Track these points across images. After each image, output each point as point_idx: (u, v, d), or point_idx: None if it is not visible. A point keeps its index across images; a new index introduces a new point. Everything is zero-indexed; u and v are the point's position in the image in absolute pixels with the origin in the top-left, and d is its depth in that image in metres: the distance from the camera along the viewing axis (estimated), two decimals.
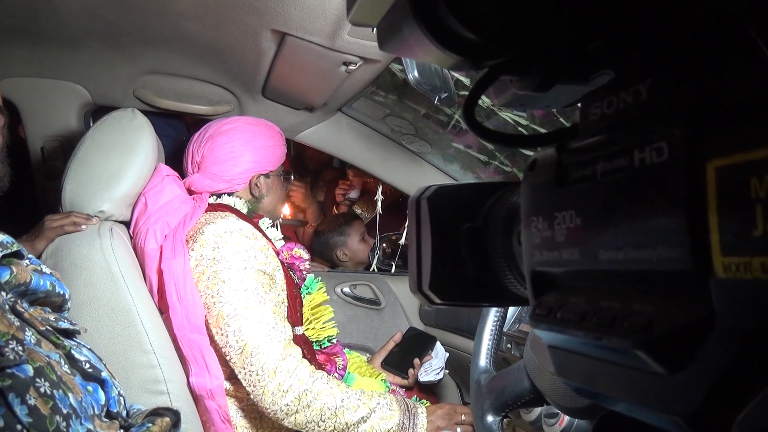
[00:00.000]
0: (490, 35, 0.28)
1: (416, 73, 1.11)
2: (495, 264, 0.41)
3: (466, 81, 1.35)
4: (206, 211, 1.38)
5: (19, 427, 0.51)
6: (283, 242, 1.50)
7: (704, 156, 0.21)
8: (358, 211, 2.73)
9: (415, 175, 1.95)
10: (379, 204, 2.18)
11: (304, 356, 1.28)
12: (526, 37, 0.29)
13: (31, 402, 0.53)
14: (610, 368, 0.27)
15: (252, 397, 1.23)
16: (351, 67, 1.30)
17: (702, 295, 0.21)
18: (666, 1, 0.27)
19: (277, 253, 1.41)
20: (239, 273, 1.26)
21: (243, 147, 1.43)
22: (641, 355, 0.23)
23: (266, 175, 1.48)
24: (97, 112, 1.63)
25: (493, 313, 0.90)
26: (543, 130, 1.40)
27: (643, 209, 0.23)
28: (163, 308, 1.26)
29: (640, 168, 0.24)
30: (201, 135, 1.47)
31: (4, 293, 0.64)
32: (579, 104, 0.40)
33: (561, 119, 1.30)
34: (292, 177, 1.62)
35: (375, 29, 0.36)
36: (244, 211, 1.44)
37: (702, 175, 0.21)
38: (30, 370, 0.56)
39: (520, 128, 1.40)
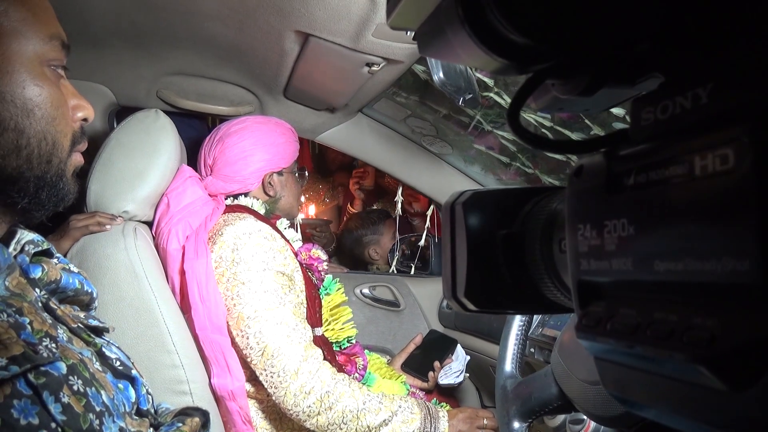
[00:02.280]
0: (540, 38, 0.27)
1: (441, 74, 1.10)
2: (533, 271, 0.40)
3: (490, 82, 1.34)
4: (224, 213, 1.38)
5: (53, 425, 0.52)
6: (301, 243, 1.50)
7: None
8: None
9: (436, 177, 1.94)
10: (399, 205, 2.17)
11: (324, 358, 1.28)
12: (575, 40, 0.29)
13: (65, 400, 0.54)
14: (663, 382, 0.26)
15: (274, 398, 1.23)
16: (374, 68, 1.30)
17: None
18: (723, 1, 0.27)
19: (296, 254, 1.41)
20: (259, 274, 1.26)
21: (253, 146, 1.43)
22: (703, 371, 0.22)
23: (279, 173, 1.48)
24: (121, 112, 1.65)
25: (518, 318, 0.89)
26: (567, 132, 1.38)
27: (705, 219, 0.23)
28: (185, 309, 1.27)
29: (702, 176, 0.23)
30: (212, 138, 1.47)
31: (37, 290, 0.65)
32: (614, 108, 0.39)
33: (587, 121, 1.29)
34: (307, 173, 1.62)
35: (411, 32, 0.36)
36: (262, 212, 1.44)
37: None
38: (63, 367, 0.56)
39: (543, 130, 1.39)
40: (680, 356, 0.23)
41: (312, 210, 2.75)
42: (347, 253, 2.48)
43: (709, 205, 0.22)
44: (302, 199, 2.46)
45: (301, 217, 2.15)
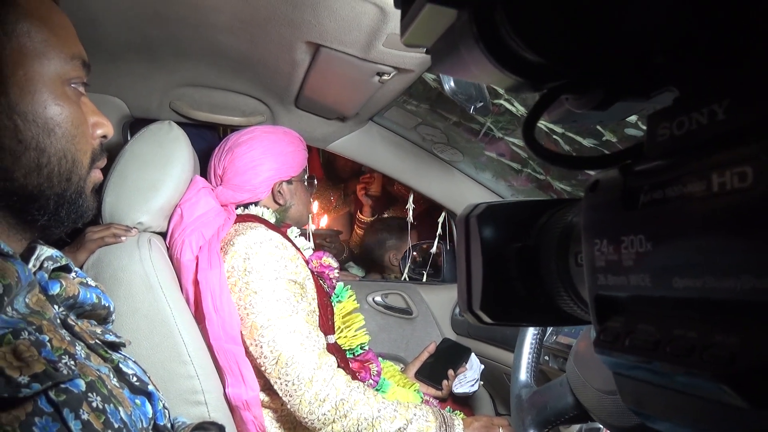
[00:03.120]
0: (554, 57, 0.28)
1: (452, 83, 1.11)
2: (548, 284, 0.40)
3: (500, 89, 1.34)
4: (236, 222, 1.39)
5: None
6: (311, 251, 1.51)
7: None
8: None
9: (447, 184, 1.94)
10: (410, 213, 2.18)
11: (338, 365, 1.28)
12: (589, 58, 0.29)
13: (85, 417, 0.54)
14: (682, 398, 0.26)
15: (289, 407, 1.23)
16: (384, 77, 1.30)
17: None
18: (738, 14, 0.27)
19: (307, 262, 1.41)
20: (270, 283, 1.27)
21: (263, 156, 1.44)
22: (725, 389, 0.22)
23: (288, 182, 1.49)
24: (135, 124, 1.67)
25: (533, 327, 0.88)
26: (579, 138, 1.38)
27: (724, 236, 0.23)
28: (199, 319, 1.28)
29: (720, 193, 0.23)
30: (221, 148, 1.49)
31: (55, 306, 0.66)
32: (628, 118, 0.39)
33: (598, 127, 1.28)
34: (315, 181, 1.63)
35: (427, 50, 0.36)
36: (272, 220, 1.45)
37: None
38: (82, 384, 0.57)
39: (555, 136, 1.39)
40: (702, 374, 0.23)
41: (324, 221, 2.76)
42: (367, 252, 2.49)
43: (728, 223, 0.22)
44: (314, 209, 2.47)
45: (312, 228, 2.16)
